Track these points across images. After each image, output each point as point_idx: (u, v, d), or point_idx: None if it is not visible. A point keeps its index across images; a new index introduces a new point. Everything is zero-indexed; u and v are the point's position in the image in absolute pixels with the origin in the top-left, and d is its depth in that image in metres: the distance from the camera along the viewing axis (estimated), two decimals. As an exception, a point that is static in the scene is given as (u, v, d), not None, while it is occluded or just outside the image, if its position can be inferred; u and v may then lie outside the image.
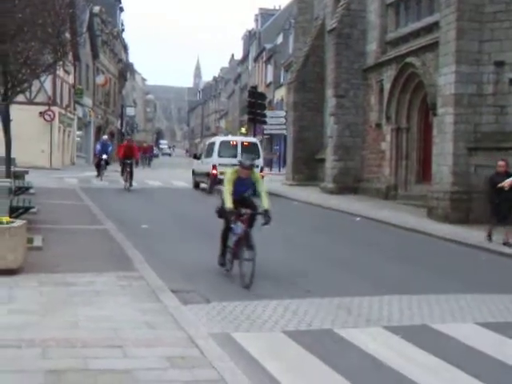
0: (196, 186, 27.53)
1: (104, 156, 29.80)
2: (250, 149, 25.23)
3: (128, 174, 24.87)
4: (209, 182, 25.22)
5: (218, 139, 27.30)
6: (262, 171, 24.66)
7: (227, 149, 25.51)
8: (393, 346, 6.46)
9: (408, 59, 22.25)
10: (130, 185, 24.74)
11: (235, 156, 23.88)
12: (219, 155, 25.14)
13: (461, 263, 12.02)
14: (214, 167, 24.74)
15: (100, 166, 29.92)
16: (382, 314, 7.68)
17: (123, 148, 26.35)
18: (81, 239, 12.14)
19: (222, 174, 22.05)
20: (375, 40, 25.67)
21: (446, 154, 17.93)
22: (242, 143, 25.94)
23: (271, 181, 35.18)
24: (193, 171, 28.25)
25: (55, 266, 9.26)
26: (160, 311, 7.01)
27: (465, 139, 17.65)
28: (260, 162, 24.75)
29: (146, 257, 10.34)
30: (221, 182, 18.78)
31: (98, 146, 31.03)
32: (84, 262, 9.73)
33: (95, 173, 30.81)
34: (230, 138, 29.25)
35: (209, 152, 26.32)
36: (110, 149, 31.09)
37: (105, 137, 33.75)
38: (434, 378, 5.56)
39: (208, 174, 25.28)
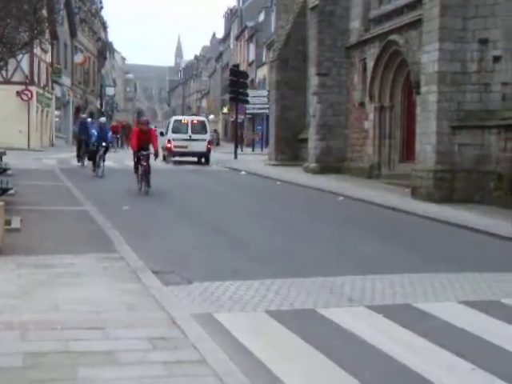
0: (164, 158, 31.41)
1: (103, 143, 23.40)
2: (199, 126, 31.82)
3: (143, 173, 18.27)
4: (166, 153, 31.48)
5: (172, 118, 33.91)
6: (209, 144, 31.73)
7: (180, 126, 31.50)
8: (375, 325, 6.51)
9: (391, 37, 22.24)
10: (148, 186, 17.89)
11: (186, 132, 30.97)
12: (173, 131, 31.24)
13: (444, 242, 12.11)
14: (169, 141, 31.23)
15: (80, 149, 26.56)
16: (364, 294, 7.72)
17: (136, 134, 18.62)
18: (60, 220, 12.09)
19: (176, 147, 30.78)
20: (358, 17, 25.60)
21: (430, 133, 18.00)
22: (192, 121, 32.21)
23: (254, 161, 35.20)
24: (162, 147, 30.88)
25: (34, 248, 9.22)
26: (141, 292, 7.00)
27: (448, 117, 17.71)
28: (207, 136, 32.01)
29: (127, 238, 10.31)
30: (176, 153, 30.38)
31: (76, 128, 27.37)
32: (64, 244, 9.69)
33: (75, 156, 28.27)
34: (181, 117, 36.63)
35: (166, 129, 32.31)
36: (109, 133, 24.16)
37: (103, 118, 26.50)
38: (416, 356, 5.61)
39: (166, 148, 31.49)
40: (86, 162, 25.54)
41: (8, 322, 5.82)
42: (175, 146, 30.98)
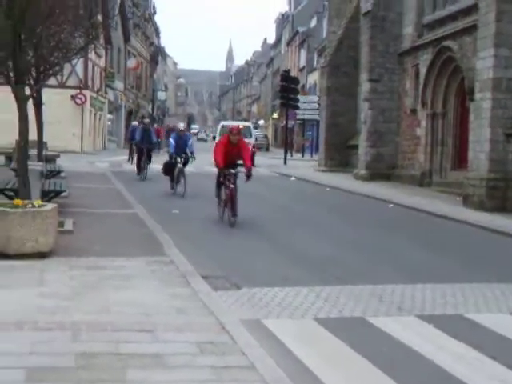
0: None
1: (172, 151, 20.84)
2: (245, 130, 33.99)
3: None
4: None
5: (220, 124, 39.07)
6: (253, 147, 33.57)
7: (226, 131, 30.94)
8: (426, 335, 6.43)
9: (445, 43, 21.97)
10: (234, 214, 13.19)
11: None
12: (220, 135, 33.28)
13: (495, 252, 11.89)
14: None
15: (141, 160, 23.24)
16: (414, 303, 7.64)
17: (223, 146, 13.60)
18: (111, 223, 12.27)
19: None
20: (411, 23, 25.37)
21: (483, 141, 17.71)
22: (238, 126, 32.35)
23: (303, 167, 35.16)
24: None
25: (86, 250, 9.37)
26: (190, 297, 7.06)
27: (502, 125, 17.40)
28: (252, 140, 35.37)
29: (177, 242, 10.41)
30: None
31: (137, 134, 24.12)
32: (114, 246, 9.83)
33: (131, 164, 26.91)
34: (229, 122, 43.02)
35: (216, 134, 36.85)
36: (189, 141, 19.33)
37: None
38: (467, 367, 5.53)
39: None
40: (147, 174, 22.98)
41: (60, 322, 5.94)
42: None
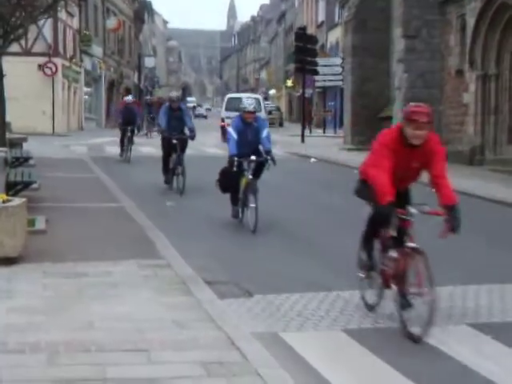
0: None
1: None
2: (254, 104, 34.32)
3: None
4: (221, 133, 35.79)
5: (227, 96, 41.21)
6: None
7: (234, 104, 35.29)
8: (482, 348, 6.42)
9: (497, -13, 21.86)
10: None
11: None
12: (226, 109, 36.52)
13: None
14: (222, 120, 36.25)
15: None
16: (466, 309, 7.63)
17: None
18: (93, 220, 12.30)
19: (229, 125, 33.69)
20: (455, -36, 25.25)
21: (547, 107, 17.63)
22: (247, 98, 36.12)
23: (325, 145, 35.11)
24: None
25: (62, 254, 9.39)
26: (192, 307, 7.07)
27: None
28: (262, 114, 33.66)
29: (173, 241, 10.42)
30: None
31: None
32: (98, 248, 9.85)
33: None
34: (236, 94, 45.86)
35: (222, 109, 38.40)
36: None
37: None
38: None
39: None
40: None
41: (33, 343, 5.95)
42: (229, 125, 34.39)
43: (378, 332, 6.84)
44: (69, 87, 46.48)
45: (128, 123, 24.62)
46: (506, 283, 8.67)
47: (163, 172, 17.22)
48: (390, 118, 28.88)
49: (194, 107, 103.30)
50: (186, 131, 17.07)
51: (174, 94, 18.77)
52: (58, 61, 42.70)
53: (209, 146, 32.33)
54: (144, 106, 48.40)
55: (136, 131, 25.25)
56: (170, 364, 5.54)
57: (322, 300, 7.84)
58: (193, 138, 16.89)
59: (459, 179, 19.71)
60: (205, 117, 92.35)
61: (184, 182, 16.19)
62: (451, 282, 8.64)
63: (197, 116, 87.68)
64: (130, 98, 26.70)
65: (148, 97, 54.64)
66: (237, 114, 33.74)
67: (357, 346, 6.42)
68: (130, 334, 6.18)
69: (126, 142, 24.66)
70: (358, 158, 27.06)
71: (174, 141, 16.56)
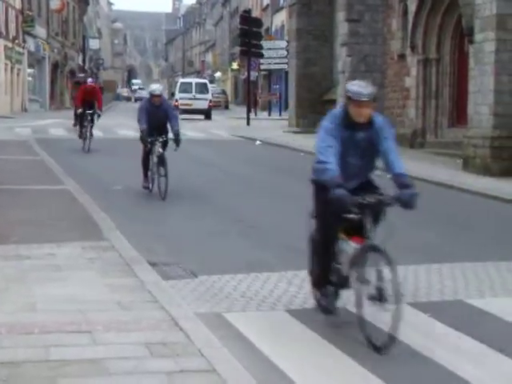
0: None
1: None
2: (202, 86, 46.77)
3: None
4: None
5: (180, 80, 51.93)
6: (210, 103, 45.22)
7: (186, 87, 45.76)
8: (419, 325, 6.51)
9: (438, -27, 22.03)
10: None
11: (190, 92, 44.98)
12: (179, 92, 45.40)
13: (504, 225, 12.06)
14: (176, 100, 43.49)
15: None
16: (406, 288, 7.72)
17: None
18: (37, 202, 12.16)
19: (181, 105, 43.23)
20: (397, -51, 25.37)
21: (486, 91, 17.86)
22: (196, 82, 48.03)
23: (271, 128, 35.16)
24: None
25: (4, 236, 9.27)
26: (136, 288, 7.04)
27: (509, 72, 17.55)
28: (209, 96, 45.85)
29: (118, 223, 10.36)
30: (182, 111, 38.93)
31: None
32: (41, 231, 9.75)
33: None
34: (187, 79, 56.27)
35: (175, 90, 47.55)
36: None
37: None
38: (470, 363, 5.62)
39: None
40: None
41: (-25, 325, 5.88)
42: (181, 104, 43.33)
43: (318, 312, 6.88)
44: (12, 68, 45.77)
45: (88, 107, 22.60)
46: (443, 262, 8.79)
47: (143, 175, 14.49)
48: (333, 101, 29.01)
49: (135, 90, 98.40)
50: (169, 131, 14.43)
51: (157, 88, 14.79)
52: (0, 42, 42.00)
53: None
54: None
55: (96, 118, 22.81)
56: (114, 345, 5.51)
57: (266, 280, 7.88)
58: (178, 143, 14.02)
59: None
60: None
61: (167, 185, 13.67)
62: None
63: (137, 99, 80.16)
64: (90, 80, 25.94)
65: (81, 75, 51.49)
66: (187, 95, 41.20)
67: (299, 326, 6.47)
68: (73, 316, 6.13)
69: (84, 130, 22.46)
70: (302, 140, 27.28)
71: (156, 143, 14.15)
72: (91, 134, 22.31)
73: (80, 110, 22.81)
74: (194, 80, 51.64)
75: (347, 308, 6.71)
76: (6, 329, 5.79)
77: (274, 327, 6.48)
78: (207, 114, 44.81)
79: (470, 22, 19.25)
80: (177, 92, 45.90)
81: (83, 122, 22.58)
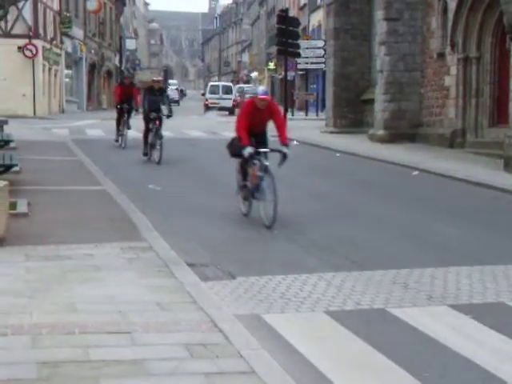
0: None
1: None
2: (227, 89, 57.66)
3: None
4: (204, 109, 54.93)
5: (209, 84, 63.94)
6: (234, 101, 53.88)
7: (214, 89, 57.28)
8: (462, 328, 6.49)
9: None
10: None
11: (218, 93, 55.84)
12: (209, 93, 56.59)
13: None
14: (206, 100, 56.06)
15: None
16: (447, 290, 7.69)
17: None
18: (75, 203, 12.27)
19: (210, 103, 54.74)
20: None
21: (528, 90, 17.69)
22: (222, 85, 59.72)
23: (308, 128, 35.12)
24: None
25: (44, 236, 9.38)
26: (174, 289, 7.09)
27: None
28: (232, 96, 55.68)
29: (156, 224, 10.43)
30: (210, 107, 54.59)
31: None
32: (80, 231, 9.85)
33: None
34: (215, 83, 68.57)
35: (206, 91, 59.13)
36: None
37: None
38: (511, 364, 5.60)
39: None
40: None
41: (17, 325, 5.96)
42: (210, 103, 55.20)
43: (359, 314, 6.89)
44: (49, 69, 46.17)
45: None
46: (485, 265, 8.73)
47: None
48: (371, 101, 28.90)
49: (180, 90, 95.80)
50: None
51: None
52: (39, 43, 42.38)
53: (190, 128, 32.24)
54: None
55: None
56: (153, 346, 5.56)
57: (305, 282, 7.88)
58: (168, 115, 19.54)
59: (441, 161, 19.81)
60: (177, 102, 69.05)
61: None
62: (430, 265, 8.71)
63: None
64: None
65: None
66: (215, 95, 53.15)
67: (338, 328, 6.47)
68: (112, 316, 6.20)
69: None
70: (339, 140, 27.24)
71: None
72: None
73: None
74: (220, 83, 64.50)
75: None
76: (46, 329, 5.87)
77: (313, 328, 6.49)
78: (231, 110, 52.12)
79: (512, 20, 19.07)
80: (207, 93, 56.96)
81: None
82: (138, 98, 23.35)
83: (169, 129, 24.72)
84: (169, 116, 19.61)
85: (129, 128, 23.28)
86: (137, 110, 23.34)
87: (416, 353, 5.91)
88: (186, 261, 8.32)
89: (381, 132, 26.81)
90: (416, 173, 18.53)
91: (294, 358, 5.74)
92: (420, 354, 5.89)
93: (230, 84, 65.10)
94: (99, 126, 32.97)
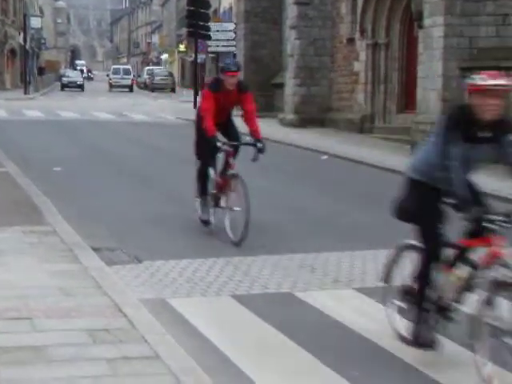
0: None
1: None
2: (126, 71, 72.89)
3: None
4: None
5: (112, 67, 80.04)
6: (132, 80, 71.65)
7: (116, 71, 72.31)
8: (367, 311, 6.60)
9: (388, -44, 22.16)
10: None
11: (119, 74, 71.42)
12: (112, 74, 71.88)
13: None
14: (110, 79, 71.01)
15: None
16: (353, 274, 7.82)
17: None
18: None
19: (114, 82, 70.49)
20: None
21: (434, 76, 18.06)
22: (123, 68, 74.77)
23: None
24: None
25: None
26: (78, 274, 7.01)
27: (457, 57, 17.77)
28: (131, 76, 72.15)
29: (60, 207, 10.28)
30: (114, 85, 70.27)
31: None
32: (-20, 215, 9.63)
33: None
34: (117, 66, 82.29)
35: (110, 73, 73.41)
36: None
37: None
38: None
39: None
40: None
41: None
42: (114, 82, 69.45)
43: (267, 297, 6.94)
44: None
45: None
46: (390, 248, 8.89)
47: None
48: (282, 85, 29.05)
49: (83, 71, 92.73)
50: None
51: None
52: None
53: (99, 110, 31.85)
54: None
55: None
56: (55, 332, 5.49)
57: (212, 266, 7.90)
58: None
59: (350, 146, 20.08)
60: (80, 86, 66.13)
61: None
62: (337, 248, 8.83)
63: (67, 85, 66.28)
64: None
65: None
66: (117, 76, 71.97)
67: (244, 311, 6.51)
68: (12, 302, 6.08)
69: None
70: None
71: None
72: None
73: None
74: (121, 66, 78.74)
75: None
76: None
77: (218, 312, 6.52)
78: (130, 88, 68.41)
79: (419, 7, 19.41)
80: (111, 74, 71.96)
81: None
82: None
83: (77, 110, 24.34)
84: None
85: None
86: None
87: (319, 334, 5.99)
88: (91, 245, 8.23)
89: (291, 116, 27.00)
90: (325, 157, 18.72)
91: (199, 342, 5.75)
92: (324, 336, 5.98)
93: (129, 67, 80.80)
94: (3, 106, 32.23)
